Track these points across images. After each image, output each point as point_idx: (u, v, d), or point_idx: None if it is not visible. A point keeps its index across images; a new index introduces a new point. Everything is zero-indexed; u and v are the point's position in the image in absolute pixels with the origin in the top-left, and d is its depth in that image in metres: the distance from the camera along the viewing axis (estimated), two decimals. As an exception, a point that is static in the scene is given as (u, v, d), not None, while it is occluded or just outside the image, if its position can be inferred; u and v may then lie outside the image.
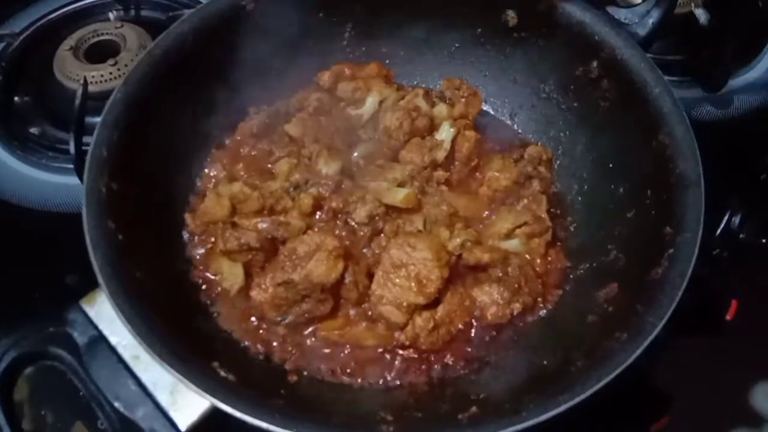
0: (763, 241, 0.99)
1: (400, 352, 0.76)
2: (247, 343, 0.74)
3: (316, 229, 0.78)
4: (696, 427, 0.88)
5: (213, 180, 0.85)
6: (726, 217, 0.99)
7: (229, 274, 0.76)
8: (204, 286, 0.78)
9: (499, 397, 0.66)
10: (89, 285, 0.71)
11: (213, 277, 0.78)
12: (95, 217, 0.66)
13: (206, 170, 0.86)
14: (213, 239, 0.79)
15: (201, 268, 0.79)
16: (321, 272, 0.72)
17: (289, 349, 0.74)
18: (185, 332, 0.66)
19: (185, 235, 0.80)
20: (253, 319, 0.76)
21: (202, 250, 0.80)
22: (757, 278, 1.02)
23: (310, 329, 0.76)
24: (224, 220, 0.78)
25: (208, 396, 0.58)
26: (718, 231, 0.98)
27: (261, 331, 0.75)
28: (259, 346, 0.74)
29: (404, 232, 0.78)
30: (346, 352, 0.75)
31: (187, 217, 0.80)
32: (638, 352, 0.60)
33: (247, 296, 0.76)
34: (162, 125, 0.78)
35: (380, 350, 0.75)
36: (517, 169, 0.85)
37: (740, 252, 0.99)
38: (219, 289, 0.77)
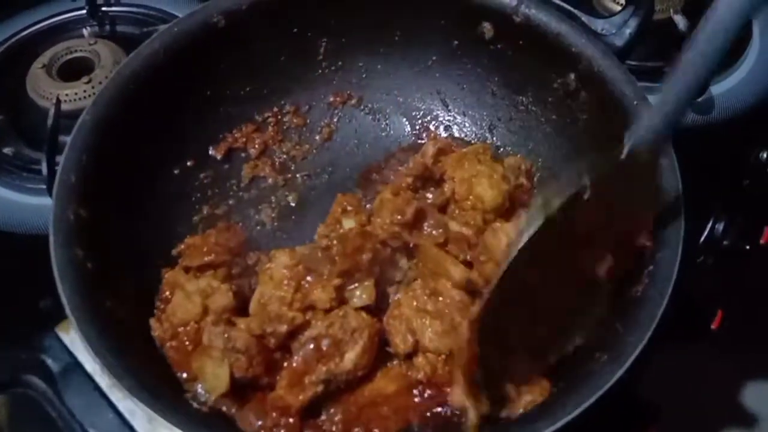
0: (747, 247, 0.99)
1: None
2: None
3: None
4: (684, 438, 0.88)
5: None
6: (709, 224, 0.98)
7: (212, 377, 0.65)
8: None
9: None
10: (64, 310, 0.70)
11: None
12: (63, 245, 0.65)
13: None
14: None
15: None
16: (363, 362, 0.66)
17: None
18: (157, 362, 0.65)
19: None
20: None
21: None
22: (742, 285, 1.02)
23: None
24: (197, 319, 0.69)
25: (180, 430, 0.56)
26: (702, 238, 0.98)
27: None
28: None
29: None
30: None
31: (153, 322, 0.70)
32: (619, 374, 0.59)
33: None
34: (133, 147, 0.76)
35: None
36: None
37: (724, 259, 0.99)
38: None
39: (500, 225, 0.74)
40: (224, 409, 0.64)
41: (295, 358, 0.65)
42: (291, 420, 0.63)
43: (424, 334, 0.68)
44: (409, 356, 0.69)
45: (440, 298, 0.69)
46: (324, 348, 0.65)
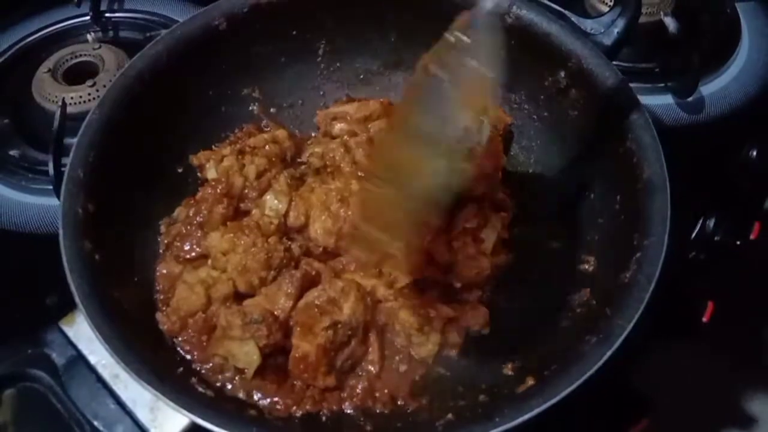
0: (738, 242, 1.01)
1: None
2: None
3: None
4: (675, 429, 0.89)
5: None
6: (701, 221, 1.00)
7: (243, 355, 0.69)
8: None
9: (474, 404, 0.67)
10: (69, 306, 0.71)
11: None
12: (72, 238, 0.67)
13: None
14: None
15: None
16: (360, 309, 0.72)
17: None
18: (163, 349, 0.67)
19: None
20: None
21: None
22: (733, 279, 1.03)
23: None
24: (203, 309, 0.73)
25: (187, 413, 0.58)
26: (693, 234, 1.00)
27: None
28: None
29: None
30: None
31: (159, 316, 0.73)
32: (608, 354, 0.61)
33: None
34: (138, 146, 0.79)
35: None
36: None
37: (715, 254, 1.00)
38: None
39: None
40: (254, 397, 0.68)
41: (302, 317, 0.71)
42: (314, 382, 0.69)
43: (315, 224, 0.77)
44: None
45: (344, 209, 0.77)
46: (323, 306, 0.71)
